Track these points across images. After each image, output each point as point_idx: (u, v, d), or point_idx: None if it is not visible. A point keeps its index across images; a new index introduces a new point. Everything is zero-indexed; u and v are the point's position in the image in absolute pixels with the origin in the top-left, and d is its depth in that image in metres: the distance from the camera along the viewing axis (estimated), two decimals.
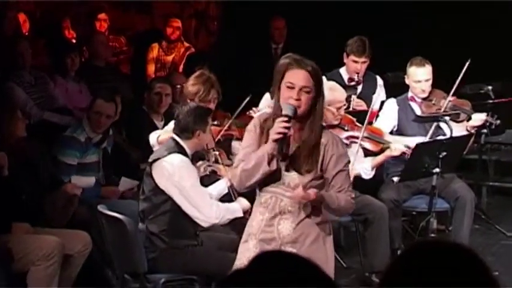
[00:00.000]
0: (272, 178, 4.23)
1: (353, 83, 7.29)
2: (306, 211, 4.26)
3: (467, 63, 6.80)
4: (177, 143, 5.44)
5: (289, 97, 4.13)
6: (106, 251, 5.85)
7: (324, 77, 7.24)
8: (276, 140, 4.09)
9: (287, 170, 4.24)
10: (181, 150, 5.41)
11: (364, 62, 7.27)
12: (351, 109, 6.95)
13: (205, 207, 5.33)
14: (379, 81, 7.53)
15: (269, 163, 4.12)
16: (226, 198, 5.67)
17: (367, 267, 6.60)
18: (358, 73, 7.26)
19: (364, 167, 6.37)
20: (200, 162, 5.77)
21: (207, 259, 5.40)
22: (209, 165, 5.76)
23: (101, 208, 5.56)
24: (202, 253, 5.45)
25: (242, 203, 5.54)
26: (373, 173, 6.45)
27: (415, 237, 6.88)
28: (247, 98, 6.24)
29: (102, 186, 6.71)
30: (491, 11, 9.58)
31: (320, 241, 4.33)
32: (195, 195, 5.33)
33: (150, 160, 5.44)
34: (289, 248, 4.25)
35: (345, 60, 7.36)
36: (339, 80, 7.28)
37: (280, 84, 4.19)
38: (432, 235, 6.42)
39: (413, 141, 6.51)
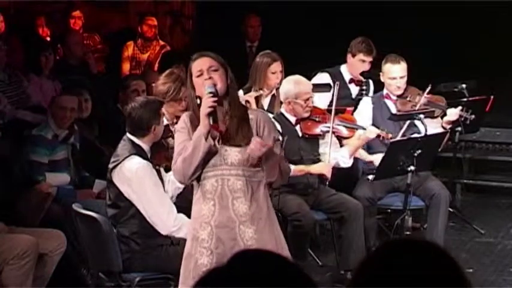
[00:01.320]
0: (211, 157, 4.37)
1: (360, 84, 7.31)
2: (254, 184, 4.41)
3: (428, 88, 6.85)
4: (133, 143, 5.39)
5: (202, 82, 4.39)
6: (81, 249, 5.83)
7: (325, 74, 7.31)
8: (208, 114, 4.28)
9: (227, 150, 4.38)
10: (139, 151, 5.35)
11: (371, 62, 7.28)
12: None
13: (164, 213, 5.22)
14: (371, 85, 7.55)
15: (206, 139, 4.30)
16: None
17: (342, 265, 6.61)
18: (364, 72, 7.28)
19: (341, 155, 6.40)
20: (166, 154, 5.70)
21: (181, 258, 5.37)
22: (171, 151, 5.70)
23: (75, 207, 5.53)
24: (176, 252, 5.42)
25: None
26: (351, 161, 6.46)
27: (390, 235, 6.91)
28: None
29: (78, 189, 6.67)
30: (467, 11, 9.64)
31: (271, 216, 4.49)
32: (153, 202, 5.24)
33: (109, 167, 5.38)
34: (248, 228, 4.37)
35: (350, 61, 7.33)
36: (339, 78, 7.27)
37: (192, 83, 4.45)
38: (407, 233, 6.45)
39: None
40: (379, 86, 7.12)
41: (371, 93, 7.49)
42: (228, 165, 4.37)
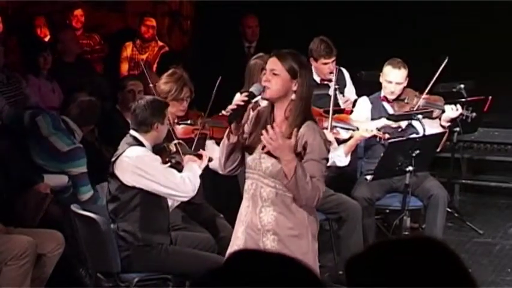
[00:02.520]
0: (239, 153, 4.42)
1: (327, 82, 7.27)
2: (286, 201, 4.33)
3: (445, 61, 6.81)
4: (135, 138, 5.41)
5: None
6: (79, 250, 5.83)
7: None
8: (232, 110, 4.30)
9: (268, 154, 4.31)
10: (140, 144, 5.39)
11: (334, 61, 7.26)
12: (342, 107, 7.01)
13: (179, 184, 5.31)
14: (346, 73, 7.54)
15: (228, 136, 4.35)
16: None
17: (340, 265, 6.61)
18: (331, 72, 7.25)
19: (337, 154, 6.39)
20: (166, 158, 5.72)
21: (180, 258, 5.39)
22: (172, 157, 5.71)
23: (74, 207, 5.54)
24: (176, 252, 5.44)
25: (190, 158, 5.56)
26: (347, 159, 6.45)
27: (388, 236, 6.91)
28: (217, 82, 6.11)
29: None
30: (464, 10, 9.65)
31: (302, 235, 4.41)
32: (165, 177, 5.30)
33: (112, 160, 5.41)
34: (270, 237, 4.35)
35: (314, 64, 7.27)
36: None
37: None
38: (405, 233, 6.45)
39: (380, 122, 6.55)
40: (378, 86, 7.11)
41: (348, 81, 7.48)
42: (262, 172, 4.35)
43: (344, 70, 7.51)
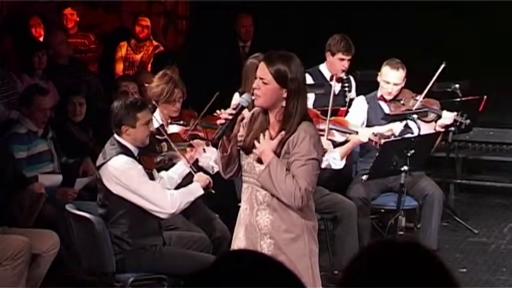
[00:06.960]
0: (233, 159, 4.38)
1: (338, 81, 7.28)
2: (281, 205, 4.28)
3: (442, 66, 6.83)
4: (118, 142, 5.36)
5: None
6: (74, 250, 5.82)
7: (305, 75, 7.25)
8: (221, 124, 4.25)
9: (259, 162, 4.28)
10: (124, 149, 5.32)
11: (350, 60, 7.25)
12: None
13: (159, 199, 5.28)
14: (353, 82, 7.54)
15: (222, 150, 4.31)
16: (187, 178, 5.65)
17: (336, 265, 6.62)
18: (344, 71, 7.25)
19: (333, 157, 6.38)
20: (158, 159, 5.69)
21: (175, 258, 5.38)
22: (163, 155, 5.68)
23: (69, 207, 5.53)
24: (170, 252, 5.43)
25: (200, 178, 5.50)
26: (343, 163, 6.43)
27: (383, 235, 6.92)
28: (214, 96, 6.17)
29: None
30: (459, 10, 9.66)
31: (299, 237, 4.34)
32: (146, 191, 5.26)
33: (97, 165, 5.38)
34: (267, 240, 4.33)
35: (329, 59, 7.26)
36: (320, 78, 7.28)
37: None
38: (400, 233, 6.45)
39: (380, 128, 6.54)
40: (372, 86, 7.11)
41: (353, 89, 7.48)
42: (256, 175, 4.30)
43: (352, 79, 7.50)
